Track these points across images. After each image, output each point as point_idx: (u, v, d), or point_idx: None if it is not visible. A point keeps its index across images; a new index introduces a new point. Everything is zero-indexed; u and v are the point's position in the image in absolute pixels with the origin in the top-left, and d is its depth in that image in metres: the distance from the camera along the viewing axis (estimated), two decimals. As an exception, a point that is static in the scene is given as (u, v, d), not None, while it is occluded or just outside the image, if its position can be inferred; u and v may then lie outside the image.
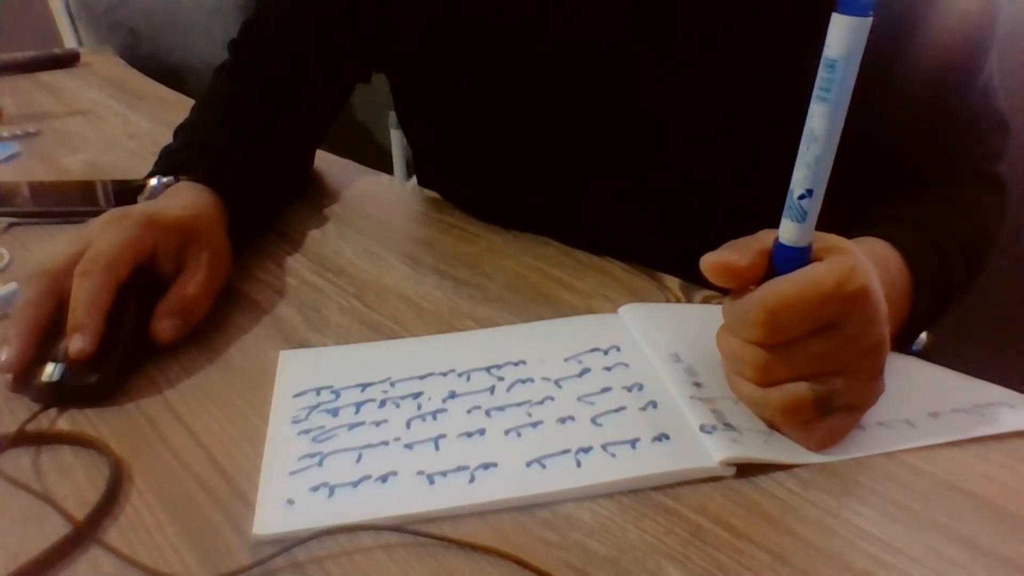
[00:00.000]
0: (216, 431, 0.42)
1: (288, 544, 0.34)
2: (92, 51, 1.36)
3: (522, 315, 0.52)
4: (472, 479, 0.38)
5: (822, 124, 0.35)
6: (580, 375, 0.45)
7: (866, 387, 0.40)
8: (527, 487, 0.37)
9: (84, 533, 0.35)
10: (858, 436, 0.40)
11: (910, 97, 0.55)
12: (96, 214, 0.67)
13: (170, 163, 0.61)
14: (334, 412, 0.43)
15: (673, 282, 0.56)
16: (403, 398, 0.44)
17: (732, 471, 0.38)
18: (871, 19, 0.34)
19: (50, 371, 0.44)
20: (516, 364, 0.46)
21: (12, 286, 0.54)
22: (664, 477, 0.38)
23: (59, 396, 0.44)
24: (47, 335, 0.45)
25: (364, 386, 0.45)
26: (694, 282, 0.56)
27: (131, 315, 0.47)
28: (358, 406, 0.43)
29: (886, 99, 0.53)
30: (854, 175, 0.61)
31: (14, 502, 0.37)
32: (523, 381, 0.45)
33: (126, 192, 0.71)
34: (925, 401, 0.43)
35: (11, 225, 0.66)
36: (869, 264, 0.39)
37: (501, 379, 0.45)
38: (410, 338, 0.50)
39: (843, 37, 0.34)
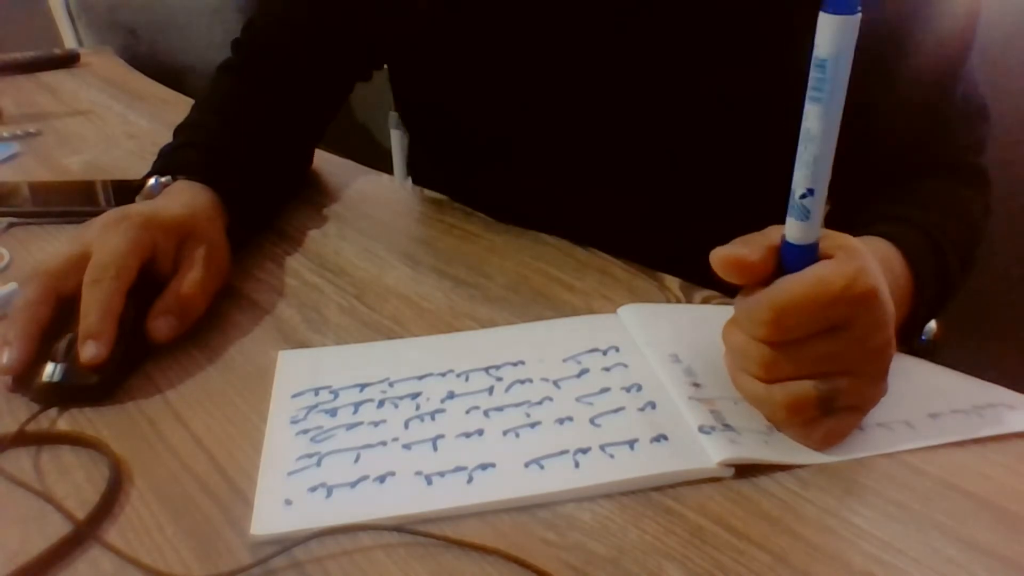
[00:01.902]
0: (216, 431, 0.42)
1: (287, 544, 0.34)
2: (92, 51, 1.36)
3: (522, 315, 0.52)
4: (470, 479, 0.38)
5: (817, 124, 0.35)
6: (579, 375, 0.45)
7: (870, 388, 0.40)
8: (525, 488, 0.37)
9: (84, 533, 0.35)
10: (858, 437, 0.40)
11: (899, 91, 0.56)
12: (96, 214, 0.67)
13: (168, 162, 0.61)
14: (332, 412, 0.43)
15: (673, 282, 0.56)
16: (401, 398, 0.44)
17: (730, 472, 0.38)
18: (859, 15, 0.33)
19: (50, 371, 0.44)
20: (515, 365, 0.46)
21: (12, 286, 0.54)
22: (662, 478, 0.38)
23: (59, 396, 0.44)
24: (47, 335, 0.45)
25: (363, 386, 0.45)
26: (694, 282, 0.56)
27: (130, 315, 0.47)
28: (356, 406, 0.43)
29: (875, 93, 0.53)
30: (842, 169, 0.61)
31: (14, 502, 0.37)
32: (522, 382, 0.45)
33: (126, 192, 0.71)
34: (925, 401, 0.43)
35: (11, 225, 0.66)
36: (877, 265, 0.39)
37: (500, 379, 0.45)
38: (409, 338, 0.50)
39: (831, 37, 0.33)
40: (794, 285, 0.37)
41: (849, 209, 0.57)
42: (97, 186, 0.75)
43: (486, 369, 0.46)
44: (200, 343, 0.50)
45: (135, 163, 0.82)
